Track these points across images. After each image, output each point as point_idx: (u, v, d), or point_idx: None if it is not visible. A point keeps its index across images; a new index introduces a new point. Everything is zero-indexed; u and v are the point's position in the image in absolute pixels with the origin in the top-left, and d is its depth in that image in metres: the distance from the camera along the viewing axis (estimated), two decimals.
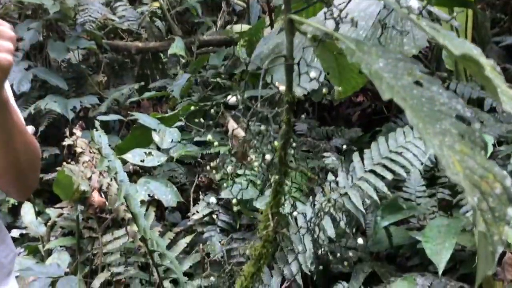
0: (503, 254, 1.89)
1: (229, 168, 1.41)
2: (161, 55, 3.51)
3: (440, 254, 1.64)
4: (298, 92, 2.31)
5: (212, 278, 2.20)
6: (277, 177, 1.29)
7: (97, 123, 1.94)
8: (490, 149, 1.57)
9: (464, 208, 2.06)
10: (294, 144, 1.23)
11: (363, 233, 2.15)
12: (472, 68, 0.68)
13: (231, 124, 1.35)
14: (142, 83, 3.22)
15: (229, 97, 1.21)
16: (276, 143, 1.12)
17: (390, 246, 2.05)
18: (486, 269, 0.56)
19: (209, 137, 1.71)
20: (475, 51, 0.66)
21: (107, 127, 3.28)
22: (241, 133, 1.41)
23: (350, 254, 2.08)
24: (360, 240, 1.36)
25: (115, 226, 2.41)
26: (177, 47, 2.97)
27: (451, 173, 0.50)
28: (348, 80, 1.43)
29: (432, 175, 2.24)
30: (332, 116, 3.64)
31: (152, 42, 3.46)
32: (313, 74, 1.19)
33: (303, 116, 1.16)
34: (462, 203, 2.09)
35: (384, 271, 2.02)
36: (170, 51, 2.94)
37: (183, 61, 2.98)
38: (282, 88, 1.20)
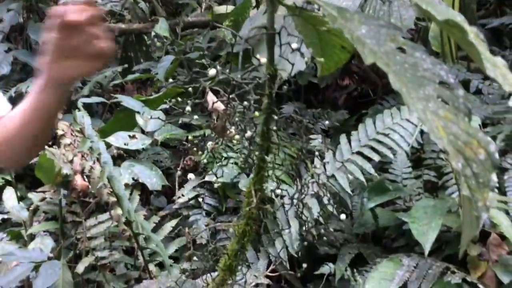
0: (488, 234, 1.89)
1: (209, 144, 1.39)
2: (145, 37, 3.45)
3: (426, 234, 1.63)
4: (284, 75, 2.27)
5: (195, 258, 2.19)
6: (259, 153, 1.27)
7: (80, 104, 1.90)
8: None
9: (450, 189, 2.05)
10: (276, 118, 1.20)
11: (350, 214, 2.14)
12: (456, 34, 0.66)
13: (210, 97, 1.32)
14: (126, 66, 3.16)
15: (209, 70, 1.18)
16: (256, 113, 1.10)
17: (376, 227, 2.05)
18: (470, 233, 0.54)
19: (196, 117, 1.68)
20: (459, 18, 0.64)
21: (90, 111, 3.22)
22: (221, 106, 1.38)
23: (332, 229, 2.07)
24: (342, 216, 1.34)
25: (99, 211, 2.38)
26: (161, 28, 2.92)
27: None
28: (331, 56, 1.41)
29: (418, 157, 2.24)
30: (319, 99, 3.62)
31: (136, 23, 3.39)
32: (294, 45, 1.16)
33: (285, 87, 1.13)
34: (448, 184, 2.08)
35: (370, 252, 2.02)
36: (153, 33, 2.89)
37: (165, 41, 2.92)
38: (264, 60, 1.17)
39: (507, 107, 2.14)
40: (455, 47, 2.62)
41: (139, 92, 3.74)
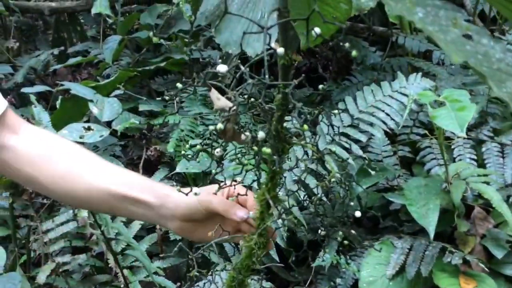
0: (472, 208, 1.88)
1: (217, 150, 1.23)
2: (79, 16, 3.16)
3: (427, 217, 1.58)
4: (250, 52, 2.09)
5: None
6: (274, 156, 1.13)
7: (33, 98, 1.66)
8: (473, 108, 1.51)
9: (428, 165, 2.03)
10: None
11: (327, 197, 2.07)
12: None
13: (214, 95, 1.15)
14: (62, 48, 2.88)
15: (219, 66, 1.02)
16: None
17: (360, 209, 1.99)
18: None
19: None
20: None
21: (23, 101, 2.93)
22: (228, 104, 1.22)
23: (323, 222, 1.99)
24: (357, 213, 1.25)
25: (54, 211, 2.16)
26: (101, 5, 2.66)
27: None
28: (319, 27, 1.30)
29: (392, 133, 2.19)
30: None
31: (68, 1, 3.09)
32: (317, 30, 1.03)
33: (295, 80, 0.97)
34: (425, 160, 2.06)
35: (354, 235, 1.96)
36: (93, 11, 2.63)
37: (110, 21, 2.67)
38: (281, 50, 1.02)
39: (477, 78, 2.13)
40: None
41: (74, 77, 3.45)
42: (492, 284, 1.60)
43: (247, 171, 1.34)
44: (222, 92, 1.22)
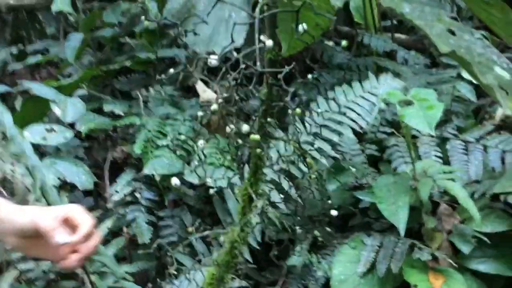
0: (437, 205, 1.92)
1: (200, 142, 1.22)
2: (38, 14, 3.06)
3: (397, 214, 1.60)
4: (218, 50, 2.07)
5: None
6: (257, 150, 1.13)
7: None
8: (441, 107, 1.54)
9: (395, 163, 2.05)
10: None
11: (300, 196, 2.07)
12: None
13: (201, 88, 1.14)
14: (21, 47, 2.79)
15: (211, 57, 1.01)
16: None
17: (327, 207, 2.00)
18: None
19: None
20: None
21: None
22: (214, 96, 1.21)
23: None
24: (333, 212, 1.27)
25: None
26: (61, 2, 2.58)
27: None
28: (301, 34, 1.35)
29: (359, 132, 2.21)
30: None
31: None
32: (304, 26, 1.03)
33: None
34: (392, 158, 2.08)
35: (324, 233, 1.97)
36: (54, 8, 2.55)
37: (72, 19, 2.60)
38: (269, 42, 1.02)
39: (441, 77, 2.18)
40: (378, 18, 2.61)
41: (33, 76, 3.35)
42: (460, 278, 1.63)
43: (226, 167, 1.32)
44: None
